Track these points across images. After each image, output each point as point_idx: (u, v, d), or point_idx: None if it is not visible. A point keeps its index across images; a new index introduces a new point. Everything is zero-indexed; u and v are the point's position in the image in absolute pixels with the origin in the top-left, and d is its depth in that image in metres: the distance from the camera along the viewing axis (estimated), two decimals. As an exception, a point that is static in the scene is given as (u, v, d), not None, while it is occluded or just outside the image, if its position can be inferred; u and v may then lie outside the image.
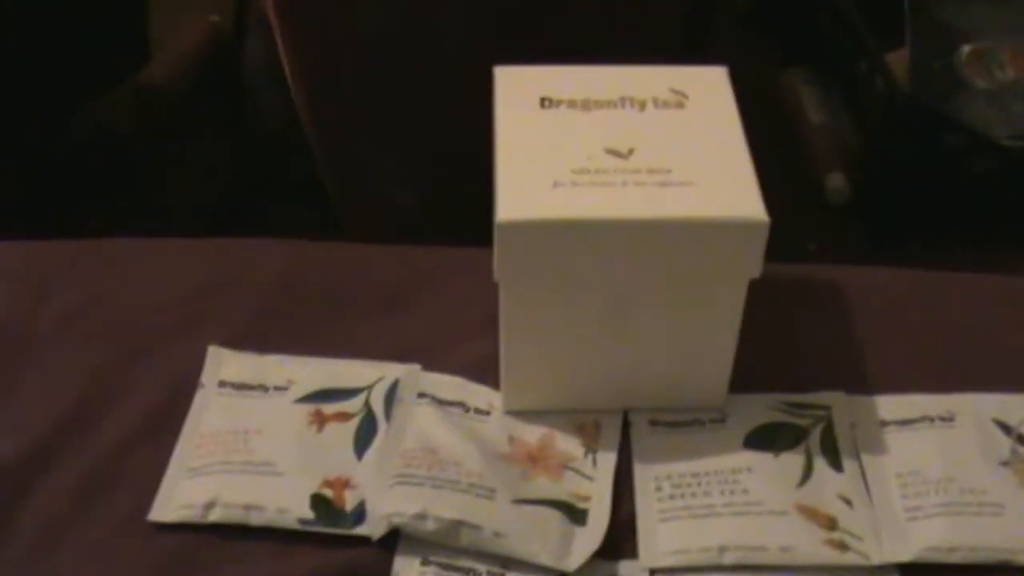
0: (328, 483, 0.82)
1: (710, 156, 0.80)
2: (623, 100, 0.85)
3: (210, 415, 0.87)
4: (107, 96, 1.75)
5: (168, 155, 1.85)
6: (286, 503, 0.80)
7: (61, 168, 1.68)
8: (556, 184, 0.77)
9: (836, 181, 1.72)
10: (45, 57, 1.59)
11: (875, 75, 1.63)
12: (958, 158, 1.57)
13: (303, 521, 0.80)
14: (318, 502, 0.80)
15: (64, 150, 1.69)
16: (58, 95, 1.64)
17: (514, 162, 0.80)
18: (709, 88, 0.86)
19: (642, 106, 0.84)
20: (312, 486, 0.81)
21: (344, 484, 0.82)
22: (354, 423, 0.86)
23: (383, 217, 1.49)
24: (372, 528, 0.79)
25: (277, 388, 0.88)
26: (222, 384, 0.89)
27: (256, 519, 0.80)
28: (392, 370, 0.89)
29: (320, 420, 0.86)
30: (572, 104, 0.84)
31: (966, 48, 1.57)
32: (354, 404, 0.87)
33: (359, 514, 0.80)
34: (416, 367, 0.89)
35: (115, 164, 1.77)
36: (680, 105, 0.85)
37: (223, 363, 0.90)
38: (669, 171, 0.78)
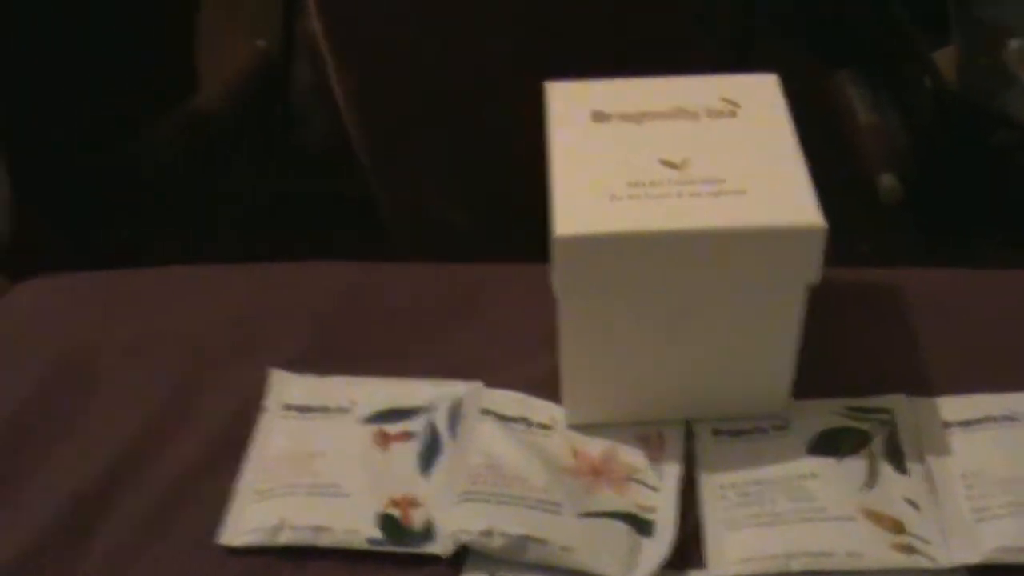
0: (394, 502, 0.82)
1: (764, 164, 0.80)
2: (675, 111, 0.85)
3: (275, 438, 0.87)
4: (157, 124, 1.77)
5: (218, 181, 1.87)
6: (354, 523, 0.81)
7: (112, 196, 1.70)
8: (612, 197, 0.78)
9: (888, 181, 1.71)
10: (93, 87, 1.61)
11: (923, 74, 1.63)
12: (1009, 154, 1.56)
13: (372, 541, 0.80)
14: (386, 521, 0.81)
15: (115, 178, 1.70)
16: (108, 125, 1.66)
17: (570, 177, 0.80)
18: (760, 96, 0.87)
19: (694, 117, 0.84)
20: (379, 506, 0.82)
21: (410, 503, 0.82)
22: (418, 442, 0.86)
23: (436, 237, 1.50)
24: (440, 546, 0.79)
25: (340, 409, 0.89)
26: (286, 407, 0.89)
27: (325, 540, 0.80)
28: (454, 388, 0.90)
29: (384, 440, 0.86)
30: (625, 117, 0.85)
31: (1013, 43, 1.55)
32: (417, 423, 0.88)
33: (427, 532, 0.80)
34: (478, 384, 0.90)
35: (166, 191, 1.79)
36: (732, 114, 0.85)
37: (286, 386, 0.91)
38: (724, 180, 0.78)
